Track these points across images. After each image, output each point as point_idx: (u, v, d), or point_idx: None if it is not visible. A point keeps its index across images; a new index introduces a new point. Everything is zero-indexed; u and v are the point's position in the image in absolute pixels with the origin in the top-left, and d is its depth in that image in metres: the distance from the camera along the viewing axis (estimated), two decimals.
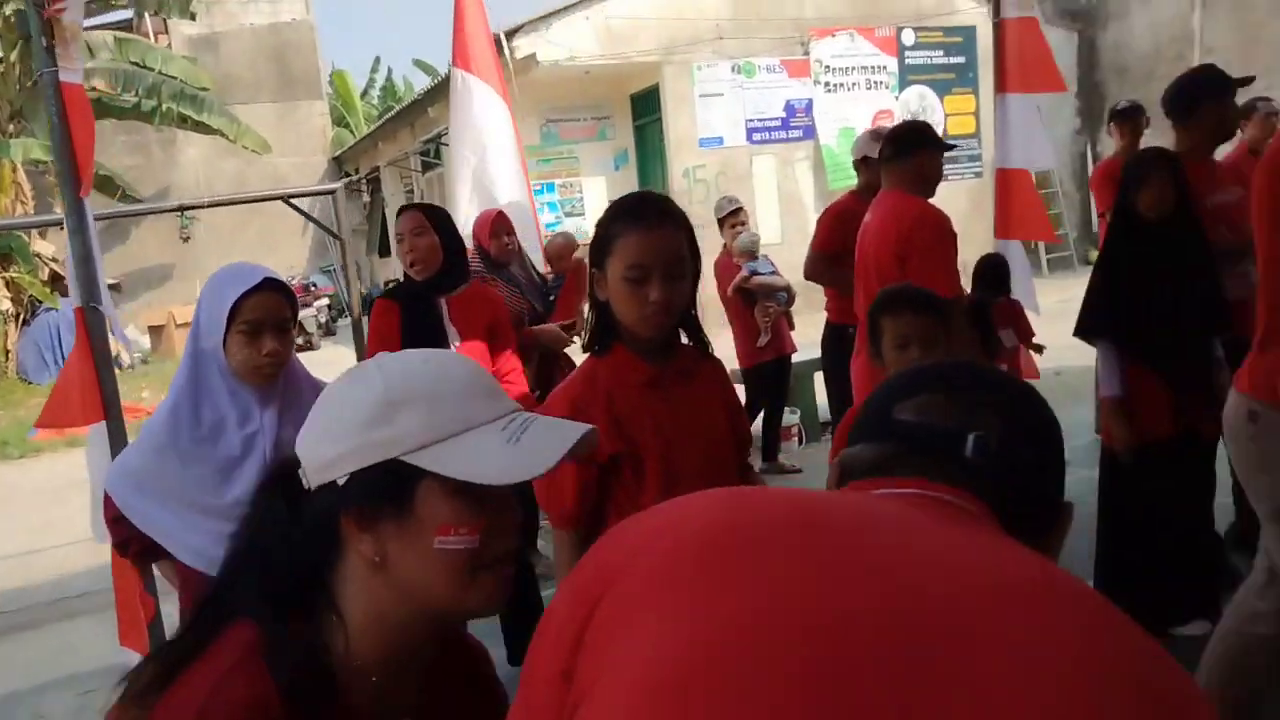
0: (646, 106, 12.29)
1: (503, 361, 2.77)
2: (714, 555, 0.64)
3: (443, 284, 2.72)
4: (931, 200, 3.22)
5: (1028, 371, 4.93)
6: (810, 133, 12.09)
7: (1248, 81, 3.13)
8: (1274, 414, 1.83)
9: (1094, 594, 0.62)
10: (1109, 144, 14.06)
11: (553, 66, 10.86)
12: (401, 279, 2.89)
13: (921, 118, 12.73)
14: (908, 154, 3.22)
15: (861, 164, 4.11)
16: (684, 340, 1.77)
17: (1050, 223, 4.73)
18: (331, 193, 4.77)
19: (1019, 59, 4.36)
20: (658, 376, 1.68)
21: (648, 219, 1.62)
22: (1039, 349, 4.57)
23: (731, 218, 5.18)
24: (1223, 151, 3.57)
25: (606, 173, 12.74)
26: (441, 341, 2.61)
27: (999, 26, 4.45)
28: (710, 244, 6.18)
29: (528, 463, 0.88)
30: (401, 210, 2.73)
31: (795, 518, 0.67)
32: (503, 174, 4.74)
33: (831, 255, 4.21)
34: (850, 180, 12.10)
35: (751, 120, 11.75)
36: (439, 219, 2.74)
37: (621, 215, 1.64)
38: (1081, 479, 3.34)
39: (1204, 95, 3.03)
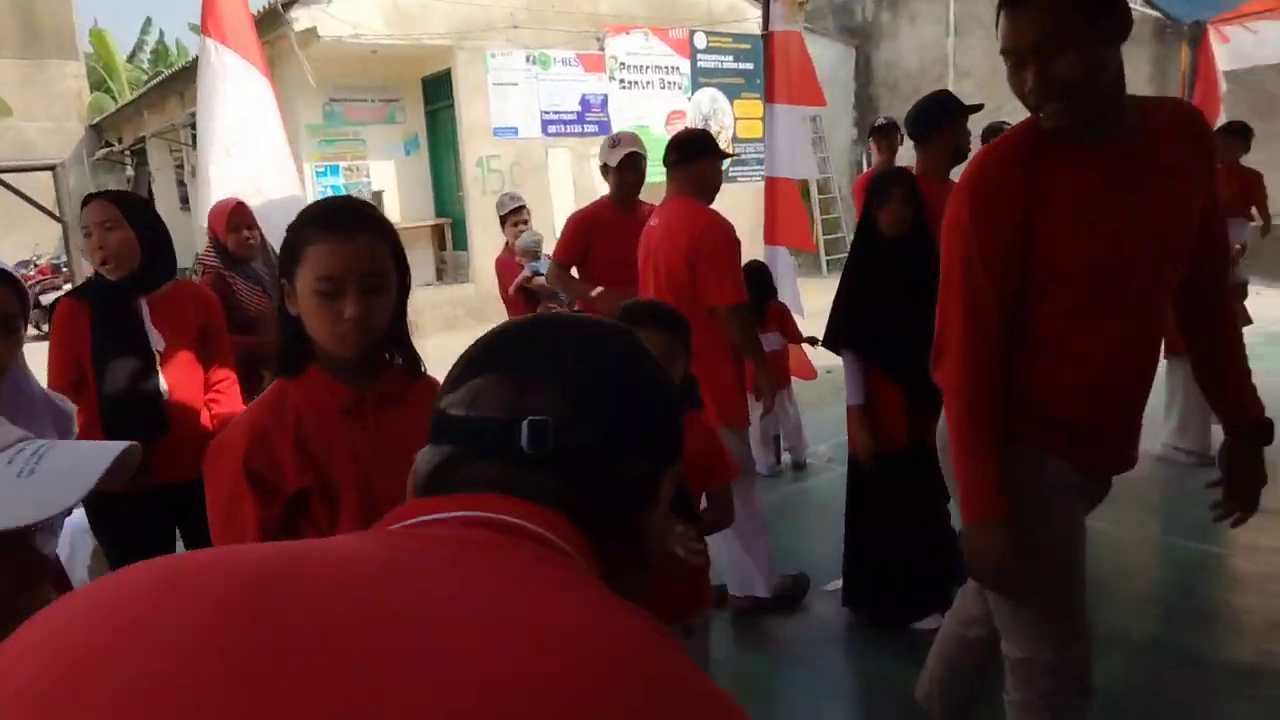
0: (439, 91, 11.88)
1: (216, 371, 2.47)
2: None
3: (142, 283, 2.38)
4: (717, 202, 3.32)
5: (801, 371, 5.12)
6: (606, 128, 12.10)
7: (978, 108, 3.33)
8: None
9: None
10: (906, 149, 15.07)
11: (335, 43, 10.26)
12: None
13: (713, 120, 13.12)
14: (691, 160, 3.28)
15: (604, 170, 3.98)
16: (396, 360, 1.62)
17: (810, 232, 4.89)
18: (51, 168, 4.18)
19: (786, 71, 4.50)
20: (357, 401, 1.52)
21: (341, 226, 1.45)
22: (813, 341, 4.76)
23: (514, 215, 5.03)
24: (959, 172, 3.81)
25: (396, 157, 12.22)
26: (141, 347, 2.29)
27: (767, 38, 4.56)
28: (495, 241, 6.03)
29: (44, 498, 0.72)
30: (87, 200, 2.31)
31: (232, 623, 0.46)
32: (268, 163, 4.31)
33: (569, 264, 4.05)
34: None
35: (547, 112, 11.62)
36: (133, 209, 2.34)
37: (312, 221, 1.46)
38: (838, 477, 3.45)
39: (940, 119, 3.20)
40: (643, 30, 12.20)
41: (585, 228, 3.92)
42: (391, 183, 12.22)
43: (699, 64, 12.83)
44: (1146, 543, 3.90)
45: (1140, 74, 11.68)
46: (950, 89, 14.26)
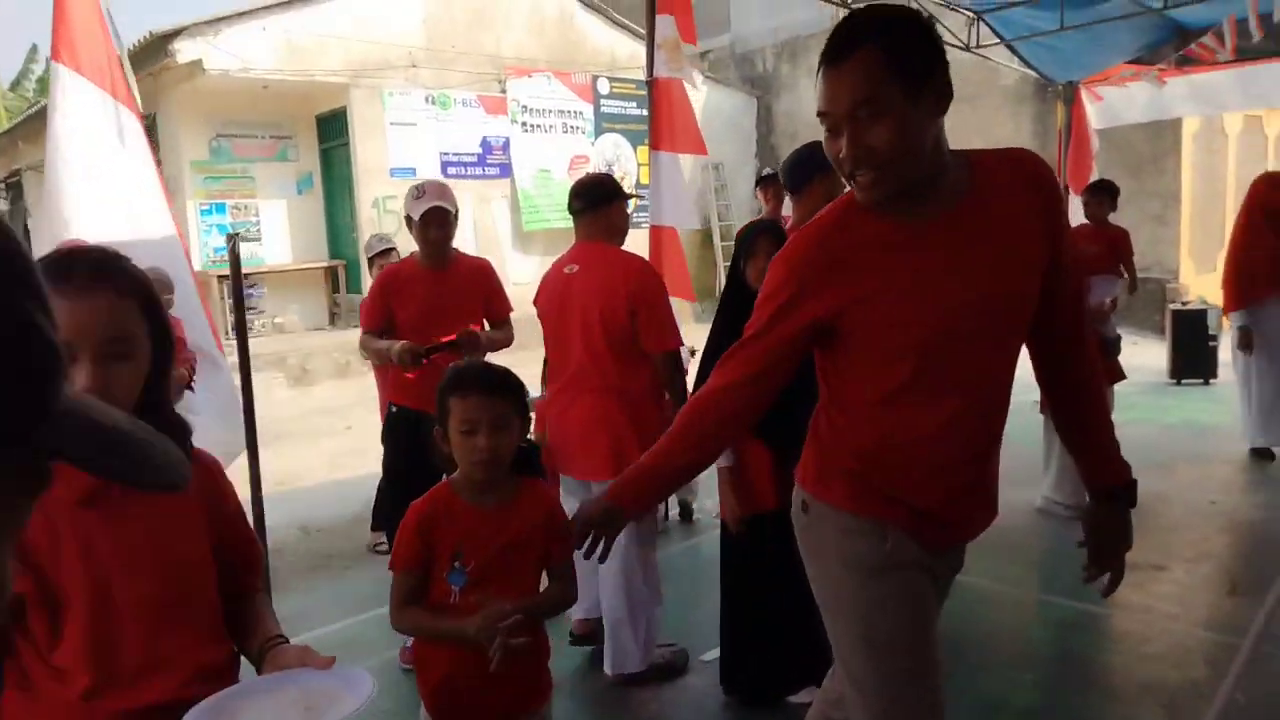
0: (333, 129, 11.56)
1: None
2: None
3: None
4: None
5: None
6: (507, 171, 11.98)
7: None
8: (820, 505, 1.78)
9: None
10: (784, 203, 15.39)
11: (222, 76, 9.87)
12: None
13: (616, 166, 13.12)
14: (600, 206, 3.24)
15: (408, 222, 3.51)
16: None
17: (690, 283, 4.77)
18: None
19: (670, 118, 4.42)
20: (97, 490, 1.29)
21: (74, 282, 1.24)
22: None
23: (381, 258, 4.79)
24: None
25: (288, 196, 11.80)
26: None
27: (651, 84, 4.48)
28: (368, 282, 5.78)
29: None
30: None
31: None
32: (131, 201, 3.95)
33: (375, 330, 3.59)
34: (545, 224, 12.23)
35: (447, 154, 11.42)
36: None
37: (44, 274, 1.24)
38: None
39: (812, 170, 3.13)
40: (545, 74, 12.15)
41: (384, 291, 3.55)
42: (283, 222, 11.78)
43: (602, 109, 12.84)
44: (1025, 600, 3.86)
45: (1023, 131, 12.18)
46: None
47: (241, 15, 9.99)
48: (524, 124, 12.01)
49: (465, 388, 1.85)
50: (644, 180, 13.38)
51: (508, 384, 1.89)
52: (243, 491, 2.12)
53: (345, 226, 11.81)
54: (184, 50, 9.62)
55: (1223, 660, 3.05)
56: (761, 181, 5.30)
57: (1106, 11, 5.97)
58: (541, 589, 1.97)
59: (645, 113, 13.41)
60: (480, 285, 3.64)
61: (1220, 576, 3.92)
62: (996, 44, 6.57)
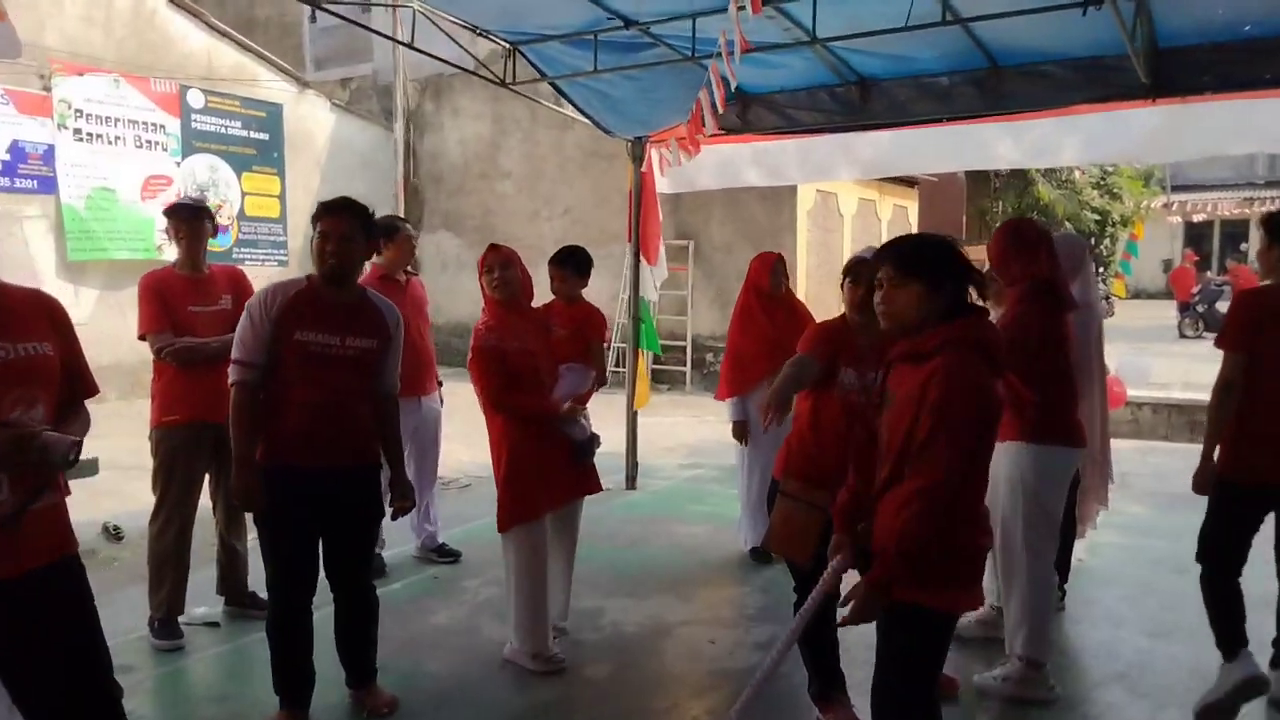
0: None
1: None
2: None
3: None
4: None
5: None
6: (50, 185, 9.78)
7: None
8: None
9: None
10: (447, 244, 14.18)
11: None
12: None
13: (211, 192, 11.26)
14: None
15: None
16: None
17: None
18: None
19: None
20: None
21: None
22: None
23: None
24: None
25: None
26: None
27: None
28: None
29: None
30: None
31: None
32: None
33: None
34: (101, 254, 10.09)
35: None
36: None
37: None
38: None
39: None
40: (113, 75, 10.15)
41: None
42: None
43: (193, 125, 10.99)
44: None
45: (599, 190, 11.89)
46: (494, 188, 13.81)
47: None
48: (77, 131, 9.89)
49: None
50: (249, 211, 11.67)
51: None
52: None
53: None
54: None
55: None
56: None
57: (644, 57, 5.36)
58: None
59: (253, 135, 11.80)
60: None
61: None
62: (538, 80, 5.80)
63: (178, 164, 10.87)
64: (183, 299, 3.75)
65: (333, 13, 5.19)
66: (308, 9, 12.84)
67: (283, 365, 2.90)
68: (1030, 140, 5.93)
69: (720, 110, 4.16)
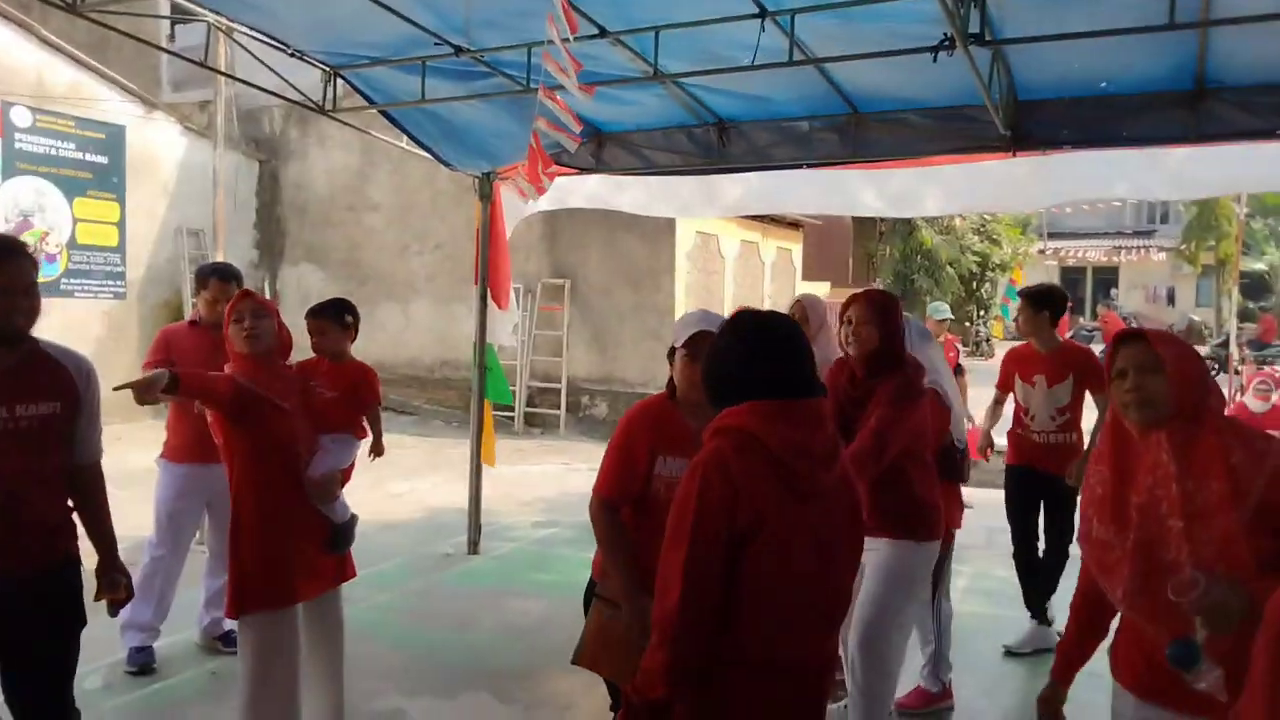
0: None
1: None
2: None
3: None
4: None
5: None
6: None
7: None
8: None
9: None
10: (310, 278, 13.34)
11: None
12: None
13: (37, 218, 10.25)
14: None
15: None
16: None
17: None
18: None
19: None
20: None
21: None
22: None
23: None
24: None
25: None
26: None
27: None
28: None
29: None
30: None
31: None
32: None
33: None
34: None
35: None
36: None
37: None
38: None
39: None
40: None
41: None
42: None
43: (17, 145, 10.00)
44: None
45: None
46: (361, 221, 13.09)
47: None
48: None
49: None
50: (81, 238, 10.68)
51: None
52: None
53: None
54: None
55: None
56: None
57: (479, 87, 4.89)
58: None
59: (89, 157, 10.84)
60: None
61: None
62: (366, 108, 5.27)
63: None
64: None
65: (108, 25, 4.49)
66: (165, 26, 12.01)
67: None
68: (893, 189, 5.72)
69: (572, 149, 3.72)
